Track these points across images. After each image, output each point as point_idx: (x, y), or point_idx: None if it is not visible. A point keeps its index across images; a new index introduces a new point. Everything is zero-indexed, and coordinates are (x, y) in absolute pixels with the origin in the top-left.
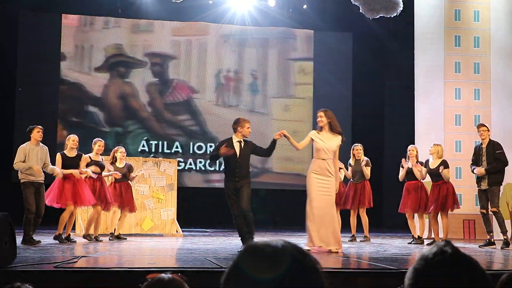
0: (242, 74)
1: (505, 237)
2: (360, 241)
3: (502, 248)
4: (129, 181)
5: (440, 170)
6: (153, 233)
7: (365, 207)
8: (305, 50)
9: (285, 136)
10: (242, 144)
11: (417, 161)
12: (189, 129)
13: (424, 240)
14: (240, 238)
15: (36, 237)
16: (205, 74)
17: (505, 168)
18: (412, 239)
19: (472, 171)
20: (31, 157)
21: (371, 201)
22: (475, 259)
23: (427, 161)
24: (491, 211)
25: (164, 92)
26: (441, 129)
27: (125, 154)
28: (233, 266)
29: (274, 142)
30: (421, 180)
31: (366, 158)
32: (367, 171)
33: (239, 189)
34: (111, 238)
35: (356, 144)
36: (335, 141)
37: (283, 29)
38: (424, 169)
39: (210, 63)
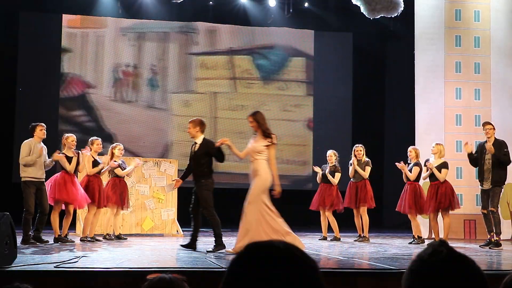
0: (141, 69)
1: (497, 238)
2: (360, 240)
3: (490, 248)
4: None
5: (432, 166)
6: (153, 233)
7: (366, 207)
8: (207, 44)
9: (227, 145)
10: (196, 146)
11: (416, 162)
12: (85, 125)
13: (425, 240)
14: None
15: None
16: (102, 68)
17: (508, 168)
18: (412, 239)
19: (470, 157)
20: (35, 153)
21: (373, 201)
22: (471, 258)
23: (427, 160)
24: (489, 210)
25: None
26: (441, 129)
27: (123, 152)
28: (234, 266)
29: (217, 149)
30: (419, 182)
31: (367, 159)
32: (363, 171)
33: (196, 191)
34: (111, 237)
35: (357, 145)
36: (261, 142)
37: (184, 23)
38: (424, 169)
39: (107, 57)
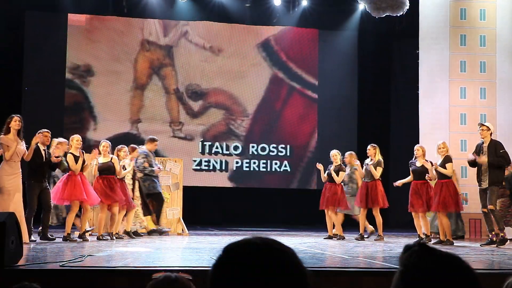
0: None
1: (502, 234)
2: (375, 239)
3: (497, 246)
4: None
5: (436, 166)
6: None
7: (378, 207)
8: None
9: None
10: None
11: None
12: None
13: (432, 239)
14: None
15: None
16: None
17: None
18: (418, 238)
19: (470, 161)
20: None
21: (385, 201)
22: (455, 255)
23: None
24: (488, 208)
25: None
26: (446, 128)
27: (128, 154)
28: (217, 269)
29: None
30: (429, 180)
31: (380, 159)
32: (375, 170)
33: None
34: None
35: (370, 144)
36: None
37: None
38: (433, 169)
39: None
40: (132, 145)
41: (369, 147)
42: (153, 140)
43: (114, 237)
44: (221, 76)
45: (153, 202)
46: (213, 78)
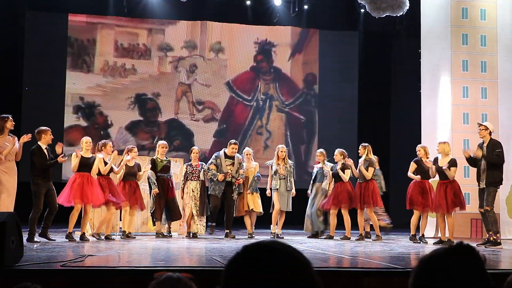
0: None
1: (494, 237)
2: (373, 240)
3: (486, 246)
4: (137, 180)
5: (444, 167)
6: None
7: (371, 207)
8: None
9: None
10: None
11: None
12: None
13: (429, 239)
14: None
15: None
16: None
17: (503, 168)
18: (410, 236)
19: (467, 158)
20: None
21: (377, 201)
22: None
23: (436, 158)
24: (484, 209)
25: None
26: (448, 128)
27: (137, 154)
28: (232, 265)
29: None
30: (429, 180)
31: (372, 159)
32: (367, 171)
33: None
34: (122, 236)
35: (361, 144)
36: None
37: None
38: (433, 167)
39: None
40: (193, 147)
41: (360, 147)
42: (230, 144)
43: (110, 237)
44: (210, 95)
45: (208, 203)
46: (206, 96)
